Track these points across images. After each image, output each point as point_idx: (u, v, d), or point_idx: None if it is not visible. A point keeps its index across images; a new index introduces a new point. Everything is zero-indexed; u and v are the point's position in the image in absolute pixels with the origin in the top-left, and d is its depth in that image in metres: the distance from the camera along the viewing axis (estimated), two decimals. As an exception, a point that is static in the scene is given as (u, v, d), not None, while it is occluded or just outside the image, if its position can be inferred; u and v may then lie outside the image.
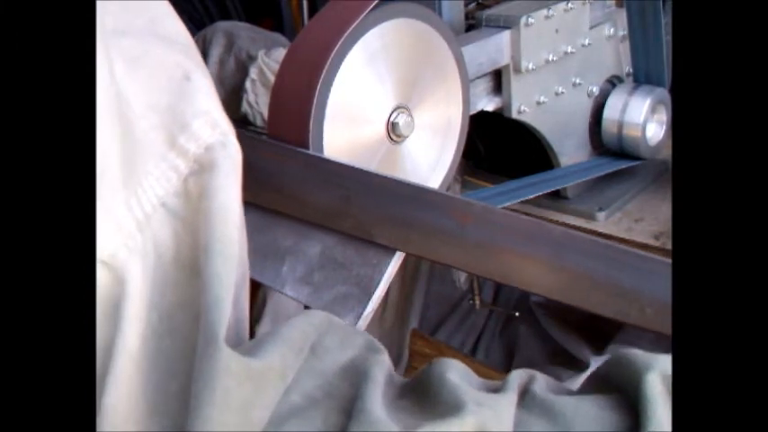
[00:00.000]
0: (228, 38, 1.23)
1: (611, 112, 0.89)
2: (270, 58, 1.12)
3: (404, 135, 0.66)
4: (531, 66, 0.81)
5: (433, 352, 1.15)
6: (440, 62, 0.68)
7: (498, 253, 0.54)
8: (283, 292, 0.59)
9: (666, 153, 0.93)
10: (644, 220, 0.88)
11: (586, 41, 0.87)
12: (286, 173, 0.60)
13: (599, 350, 1.09)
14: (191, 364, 0.37)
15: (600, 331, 1.14)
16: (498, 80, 0.81)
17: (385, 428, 0.35)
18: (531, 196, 0.83)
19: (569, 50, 0.85)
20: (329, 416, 0.37)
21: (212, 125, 0.41)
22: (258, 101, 1.10)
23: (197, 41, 1.28)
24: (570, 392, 0.42)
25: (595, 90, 0.90)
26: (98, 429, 0.36)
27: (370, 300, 0.57)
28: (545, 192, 0.84)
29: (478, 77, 0.78)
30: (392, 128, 0.65)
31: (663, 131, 0.90)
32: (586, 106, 0.90)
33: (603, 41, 0.90)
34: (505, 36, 0.79)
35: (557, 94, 0.85)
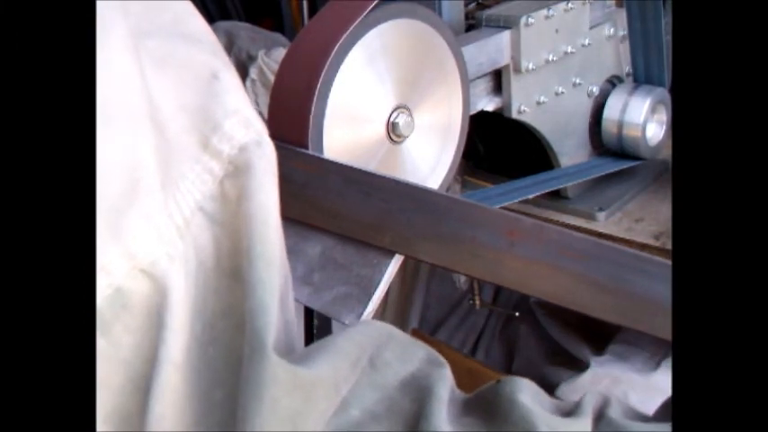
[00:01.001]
0: (228, 38, 1.23)
1: (611, 112, 0.89)
2: (270, 58, 1.12)
3: (404, 135, 0.66)
4: (531, 66, 0.81)
5: (433, 352, 1.14)
6: (440, 62, 0.68)
7: (550, 272, 0.51)
8: (283, 292, 0.59)
9: (666, 153, 0.93)
10: (644, 220, 0.88)
11: (586, 41, 0.87)
12: (321, 185, 0.58)
13: (599, 350, 1.09)
14: (236, 372, 0.36)
15: (600, 331, 1.14)
16: (498, 80, 0.81)
17: None
18: (531, 196, 0.83)
19: (569, 50, 0.85)
20: None
21: (245, 124, 0.40)
22: (258, 101, 1.10)
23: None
24: (645, 418, 0.41)
25: (595, 90, 0.90)
26: None
27: (370, 300, 0.57)
28: (545, 192, 0.84)
29: (478, 77, 0.78)
30: (392, 128, 0.65)
31: (663, 131, 0.90)
32: (586, 106, 0.90)
33: (603, 41, 0.90)
34: (505, 36, 0.79)
35: (557, 94, 0.85)
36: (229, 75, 0.41)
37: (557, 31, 0.83)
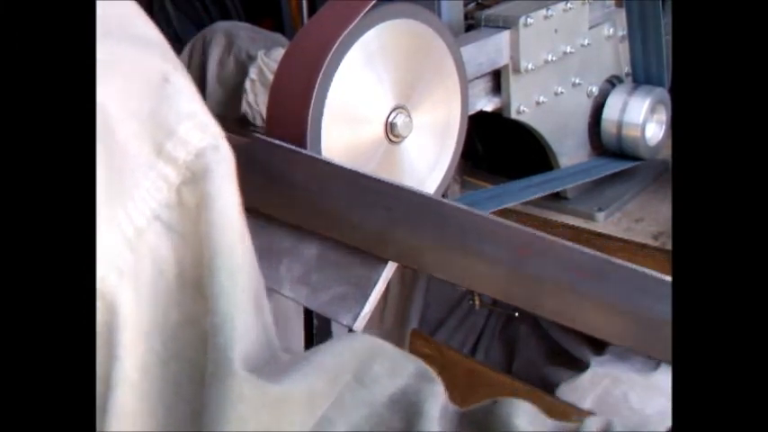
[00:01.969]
0: (228, 38, 1.23)
1: (610, 112, 0.88)
2: (269, 58, 1.11)
3: (402, 135, 0.66)
4: (530, 66, 0.80)
5: (433, 352, 1.14)
6: (438, 62, 0.68)
7: (557, 290, 0.49)
8: (281, 292, 0.59)
9: (666, 153, 0.93)
10: (643, 220, 0.88)
11: (586, 41, 0.87)
12: (324, 190, 0.56)
13: (599, 350, 1.09)
14: (201, 388, 0.35)
15: (600, 331, 1.14)
16: (497, 80, 0.81)
17: None
18: (531, 198, 0.83)
19: (568, 50, 0.85)
20: None
21: (201, 128, 0.38)
22: (258, 101, 1.10)
23: (197, 41, 1.29)
24: None
25: (595, 90, 0.90)
26: None
27: (367, 300, 0.56)
28: (545, 193, 0.84)
29: (477, 78, 0.78)
30: (391, 128, 0.65)
31: (662, 132, 0.90)
32: (586, 106, 0.90)
33: (603, 41, 0.90)
34: (505, 36, 0.79)
35: (556, 94, 0.85)
36: (181, 77, 0.40)
37: (556, 31, 0.83)
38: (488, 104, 0.81)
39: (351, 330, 0.52)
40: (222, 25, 1.32)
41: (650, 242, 0.83)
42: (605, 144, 0.90)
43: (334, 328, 1.06)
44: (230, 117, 1.16)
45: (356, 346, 0.39)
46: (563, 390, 1.06)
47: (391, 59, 0.64)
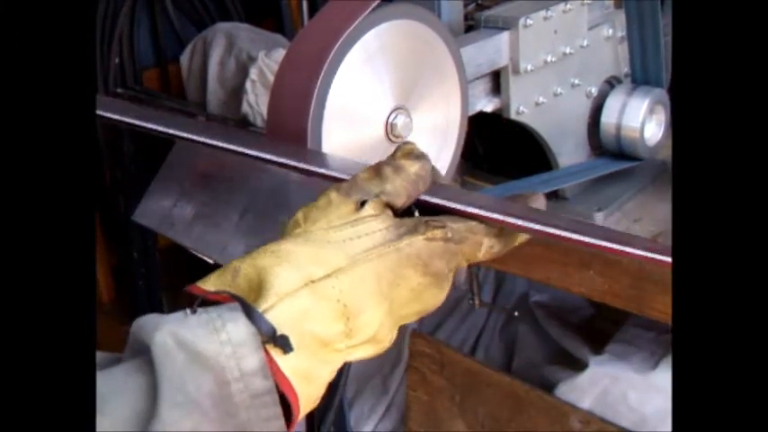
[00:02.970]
0: (229, 39, 1.24)
1: (609, 112, 0.89)
2: (270, 59, 1.12)
3: (402, 136, 0.66)
4: (529, 67, 0.81)
5: (433, 352, 1.15)
6: (438, 63, 0.68)
7: None
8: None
9: (665, 153, 0.93)
10: (642, 220, 0.88)
11: (585, 42, 0.87)
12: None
13: (598, 350, 1.09)
14: None
15: (599, 331, 1.15)
16: (497, 81, 0.81)
17: None
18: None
19: (568, 51, 0.85)
20: None
21: None
22: (258, 101, 1.10)
23: (198, 42, 1.29)
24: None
25: (594, 91, 0.90)
26: None
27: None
28: (544, 192, 0.84)
29: (477, 78, 0.78)
30: (391, 128, 0.65)
31: (661, 132, 0.90)
32: (585, 107, 0.90)
33: (602, 42, 0.90)
34: (504, 37, 0.79)
35: (555, 94, 0.85)
36: None
37: (555, 32, 0.83)
38: (488, 105, 0.81)
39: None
40: (223, 26, 1.32)
41: (650, 242, 0.84)
42: (604, 144, 0.90)
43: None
44: (231, 117, 1.17)
45: None
46: (562, 389, 1.06)
47: (391, 60, 0.64)
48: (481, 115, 0.81)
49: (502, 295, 1.29)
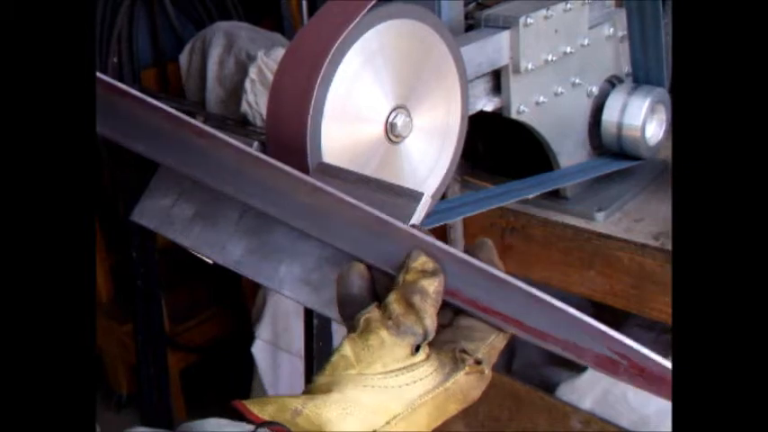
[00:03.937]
0: (228, 38, 1.23)
1: (610, 112, 0.89)
2: (269, 58, 1.12)
3: (402, 135, 0.66)
4: (530, 66, 0.80)
5: (432, 352, 1.14)
6: (438, 63, 0.68)
7: None
8: (281, 292, 0.59)
9: (665, 153, 0.93)
10: (643, 220, 0.88)
11: (585, 42, 0.87)
12: None
13: (598, 350, 1.09)
14: None
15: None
16: (497, 80, 0.81)
17: None
18: (531, 196, 0.83)
19: (568, 50, 0.85)
20: None
21: None
22: (258, 101, 1.10)
23: (197, 41, 1.29)
24: None
25: (595, 90, 0.90)
26: None
27: (368, 300, 0.56)
28: (544, 191, 0.84)
29: (477, 78, 0.78)
30: (391, 128, 0.65)
31: (662, 131, 0.90)
32: (586, 106, 0.90)
33: (603, 41, 0.90)
34: (505, 36, 0.79)
35: (556, 94, 0.85)
36: None
37: (556, 31, 0.83)
38: (488, 104, 0.81)
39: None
40: (222, 25, 1.32)
41: (650, 242, 0.83)
42: (605, 144, 0.90)
43: (335, 327, 1.06)
44: (230, 117, 1.16)
45: None
46: (563, 390, 1.06)
47: (391, 59, 0.64)
48: (481, 115, 0.81)
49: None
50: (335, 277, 0.53)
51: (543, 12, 0.81)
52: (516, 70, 0.80)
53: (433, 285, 0.49)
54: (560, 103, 0.86)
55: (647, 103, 0.87)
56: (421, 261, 0.50)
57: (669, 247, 0.82)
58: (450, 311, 0.51)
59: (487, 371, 0.49)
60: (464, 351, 0.48)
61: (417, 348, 0.48)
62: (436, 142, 0.70)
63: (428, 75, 0.67)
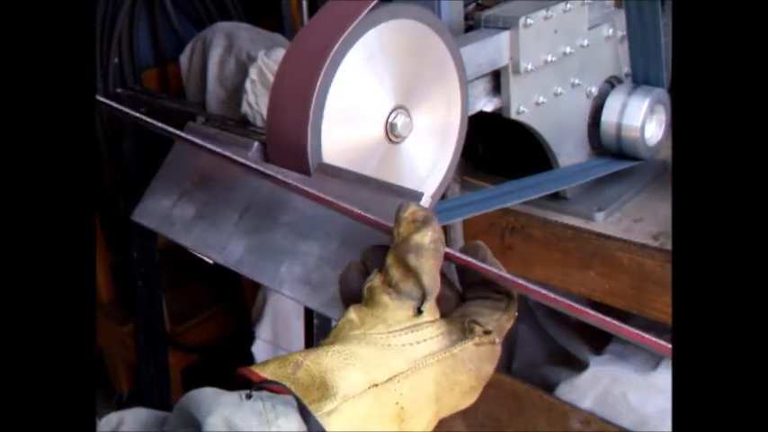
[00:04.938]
0: (229, 38, 1.24)
1: (609, 112, 0.89)
2: (270, 59, 1.12)
3: (402, 135, 0.66)
4: (529, 66, 0.81)
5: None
6: (438, 63, 0.68)
7: None
8: (282, 292, 0.59)
9: (665, 153, 0.93)
10: (643, 220, 0.88)
11: (585, 42, 0.87)
12: None
13: (598, 349, 1.09)
14: None
15: (599, 331, 1.14)
16: (497, 81, 0.81)
17: None
18: (531, 198, 0.83)
19: (568, 51, 0.85)
20: None
21: None
22: (258, 101, 1.10)
23: (197, 42, 1.29)
24: None
25: (594, 91, 0.90)
26: None
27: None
28: (545, 193, 0.84)
29: (477, 78, 0.78)
30: (391, 128, 0.65)
31: (661, 132, 0.90)
32: (585, 107, 0.90)
33: (602, 42, 0.90)
34: (504, 37, 0.79)
35: (555, 94, 0.85)
36: None
37: (555, 31, 0.83)
38: (488, 105, 0.81)
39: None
40: (222, 26, 1.32)
41: (650, 242, 0.84)
42: (605, 144, 0.90)
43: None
44: (231, 117, 1.16)
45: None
46: (563, 389, 1.06)
47: (391, 60, 0.64)
48: (481, 115, 0.81)
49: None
50: (336, 277, 0.53)
51: (543, 12, 0.81)
52: (516, 71, 0.80)
53: (427, 236, 0.48)
54: (560, 103, 0.86)
55: (646, 103, 0.87)
56: (411, 211, 0.49)
57: (669, 247, 0.82)
58: (457, 298, 0.51)
59: (498, 341, 0.49)
60: (474, 321, 0.48)
61: (420, 311, 0.48)
62: (436, 142, 0.70)
63: (428, 75, 0.68)
